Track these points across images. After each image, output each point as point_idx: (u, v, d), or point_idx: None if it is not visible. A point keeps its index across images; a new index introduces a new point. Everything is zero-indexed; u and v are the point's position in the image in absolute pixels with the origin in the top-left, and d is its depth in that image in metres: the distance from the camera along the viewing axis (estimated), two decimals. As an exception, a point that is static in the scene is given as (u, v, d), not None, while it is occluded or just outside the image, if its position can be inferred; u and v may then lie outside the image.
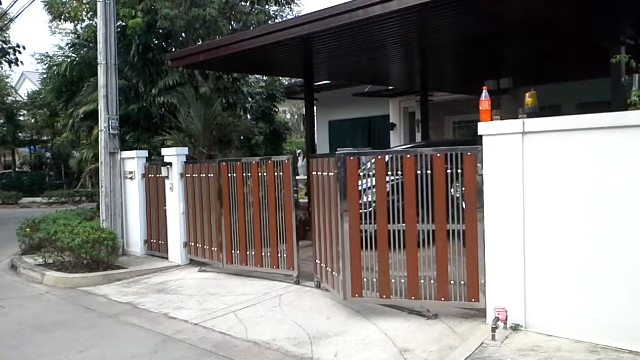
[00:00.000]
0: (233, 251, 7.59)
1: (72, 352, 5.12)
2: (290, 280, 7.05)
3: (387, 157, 5.63)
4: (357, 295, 5.56)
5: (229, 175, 7.57)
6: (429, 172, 5.24)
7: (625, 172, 4.28)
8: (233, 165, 7.59)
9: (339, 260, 5.69)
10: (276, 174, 7.12)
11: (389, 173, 5.57)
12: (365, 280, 5.56)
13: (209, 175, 7.95)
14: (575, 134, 4.50)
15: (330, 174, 5.93)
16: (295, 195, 7.06)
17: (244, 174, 7.43)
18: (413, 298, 5.39)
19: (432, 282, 5.31)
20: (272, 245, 7.21)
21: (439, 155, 5.22)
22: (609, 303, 4.38)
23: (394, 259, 5.47)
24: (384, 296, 5.49)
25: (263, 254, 7.30)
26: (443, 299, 5.28)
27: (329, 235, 6.07)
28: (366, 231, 5.50)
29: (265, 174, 7.22)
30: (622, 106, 5.42)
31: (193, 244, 8.39)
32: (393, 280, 5.46)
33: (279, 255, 7.16)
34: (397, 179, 5.47)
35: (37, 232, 9.20)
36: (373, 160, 5.68)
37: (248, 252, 7.44)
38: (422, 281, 5.34)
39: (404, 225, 5.39)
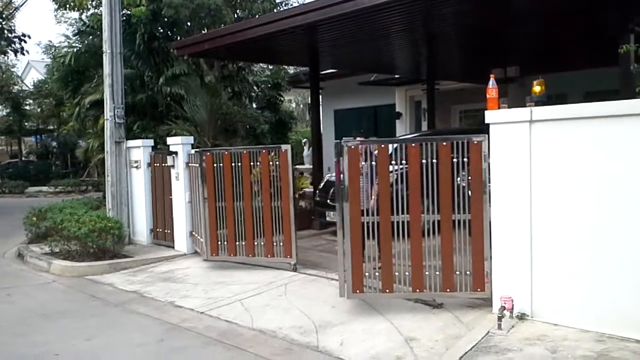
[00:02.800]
0: (219, 242, 7.47)
1: (79, 340, 5.15)
2: (288, 268, 7.09)
3: (390, 147, 5.56)
4: (357, 291, 5.38)
5: (214, 165, 7.40)
6: (434, 160, 5.19)
7: (634, 161, 4.24)
8: (219, 155, 7.42)
9: (341, 253, 5.45)
10: (271, 163, 7.08)
11: (393, 162, 5.51)
12: (366, 274, 5.41)
13: (194, 165, 7.87)
14: (584, 122, 4.46)
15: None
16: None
17: (232, 164, 7.26)
18: (417, 291, 5.30)
19: (437, 273, 5.25)
20: (266, 234, 7.15)
21: (444, 143, 5.16)
22: (615, 292, 4.35)
23: (397, 250, 5.39)
24: (387, 290, 5.35)
25: (255, 243, 7.25)
26: (448, 290, 5.22)
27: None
28: (368, 222, 5.37)
29: (258, 162, 7.16)
30: (630, 95, 5.38)
31: (195, 233, 8.37)
32: (397, 273, 5.34)
33: (275, 244, 7.14)
34: (401, 169, 5.39)
35: (44, 221, 9.23)
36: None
37: (238, 243, 7.33)
38: (427, 272, 5.27)
39: (407, 216, 5.26)
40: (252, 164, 7.23)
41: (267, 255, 7.20)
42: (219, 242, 7.49)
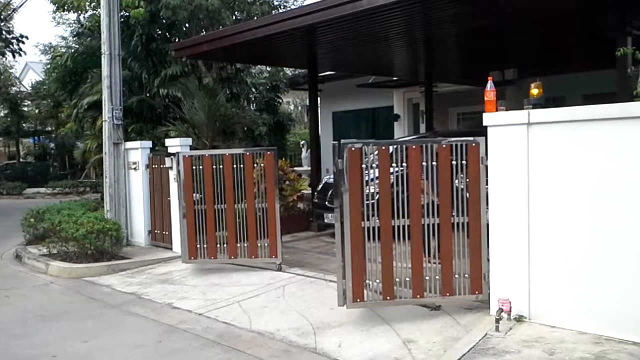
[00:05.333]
0: (198, 245, 7.39)
1: (77, 341, 5.15)
2: (273, 268, 7.18)
3: (390, 148, 5.50)
4: (358, 300, 5.20)
5: (192, 167, 7.34)
6: (433, 163, 5.16)
7: (630, 164, 4.25)
8: (199, 158, 7.38)
9: (341, 259, 5.22)
10: (256, 165, 7.24)
11: (393, 165, 5.47)
12: (367, 282, 5.25)
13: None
14: (581, 124, 4.48)
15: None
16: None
17: (213, 166, 7.28)
18: (418, 296, 5.22)
19: (437, 277, 5.21)
20: (250, 235, 7.22)
21: (444, 146, 5.13)
22: (612, 294, 4.36)
23: (397, 253, 5.33)
24: (388, 297, 5.22)
25: (238, 245, 7.28)
26: (448, 294, 5.18)
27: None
28: (368, 227, 5.20)
29: (242, 165, 7.22)
30: (628, 97, 5.40)
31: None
32: (397, 279, 5.24)
33: (259, 245, 7.22)
34: (401, 171, 5.32)
35: (41, 222, 9.23)
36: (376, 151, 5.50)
37: (218, 245, 7.37)
38: (427, 277, 5.23)
39: (407, 220, 5.15)
40: (234, 166, 7.22)
41: (250, 256, 7.24)
42: (198, 245, 7.40)
